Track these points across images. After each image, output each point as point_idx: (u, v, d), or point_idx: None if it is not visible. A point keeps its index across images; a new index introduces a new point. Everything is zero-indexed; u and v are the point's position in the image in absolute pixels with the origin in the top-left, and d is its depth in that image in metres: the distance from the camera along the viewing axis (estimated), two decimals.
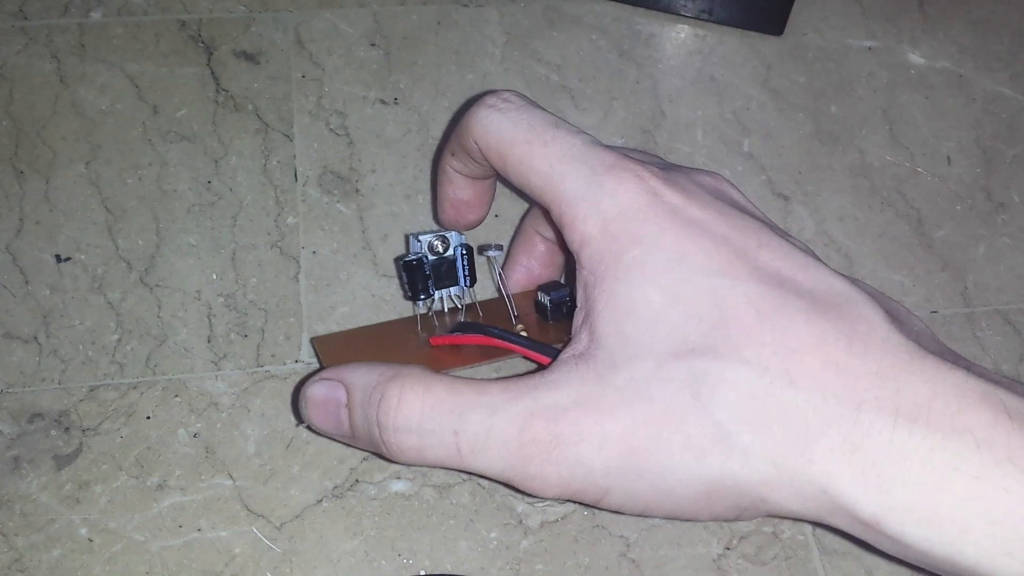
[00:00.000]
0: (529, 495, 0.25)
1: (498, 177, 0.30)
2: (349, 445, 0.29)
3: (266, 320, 0.32)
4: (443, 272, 0.30)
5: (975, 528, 0.21)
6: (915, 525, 0.22)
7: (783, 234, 0.26)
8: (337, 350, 0.30)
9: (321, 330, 0.32)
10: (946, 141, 0.39)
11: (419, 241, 0.30)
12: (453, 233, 0.30)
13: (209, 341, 0.32)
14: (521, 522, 0.29)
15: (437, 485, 0.30)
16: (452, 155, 0.29)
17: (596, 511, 0.29)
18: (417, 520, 0.29)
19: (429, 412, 0.25)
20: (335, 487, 0.29)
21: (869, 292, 0.25)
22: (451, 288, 0.30)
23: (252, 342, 0.32)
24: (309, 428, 0.28)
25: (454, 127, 0.29)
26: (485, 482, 0.30)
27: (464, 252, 0.30)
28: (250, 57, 0.39)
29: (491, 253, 0.31)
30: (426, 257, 0.30)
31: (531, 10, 0.41)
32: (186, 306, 0.32)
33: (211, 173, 0.35)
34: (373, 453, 0.28)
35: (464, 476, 0.30)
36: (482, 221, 0.32)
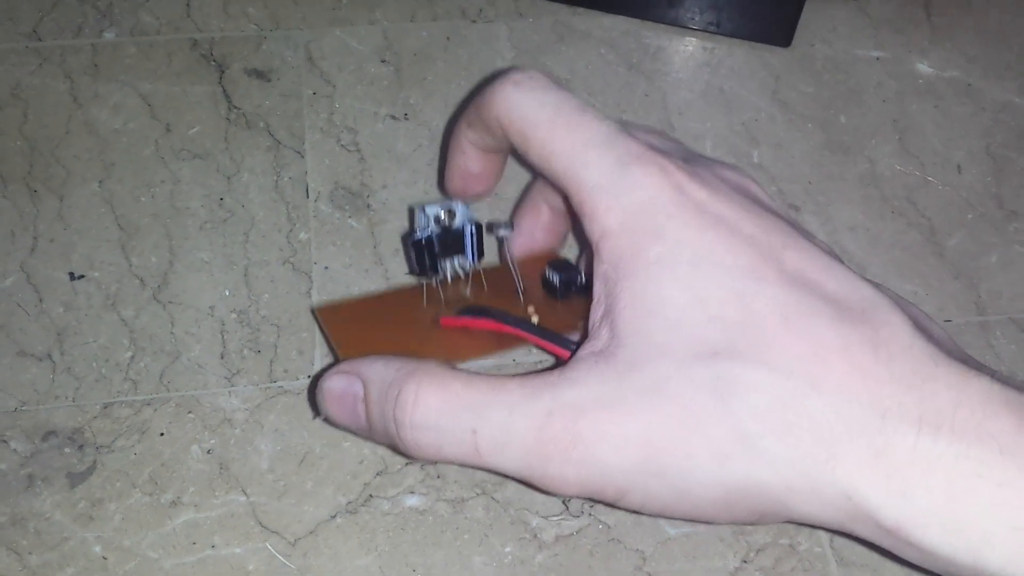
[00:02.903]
0: (547, 493, 0.25)
1: (512, 154, 0.29)
2: (366, 438, 0.28)
3: (279, 336, 0.32)
4: (449, 244, 0.29)
5: (998, 535, 0.21)
6: (938, 532, 0.22)
7: (806, 234, 0.26)
8: (340, 321, 0.29)
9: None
10: (956, 150, 0.39)
11: (425, 214, 0.29)
12: (459, 204, 0.30)
13: (222, 357, 0.32)
14: (536, 536, 0.29)
15: (451, 500, 0.30)
16: (468, 126, 0.29)
17: (611, 526, 0.29)
18: (431, 535, 0.29)
19: (446, 410, 0.24)
20: (349, 502, 0.29)
21: (892, 297, 0.25)
22: (456, 257, 0.30)
23: (265, 358, 0.32)
24: (326, 420, 0.28)
25: (474, 97, 0.29)
26: (499, 496, 0.30)
27: (474, 230, 0.29)
28: (261, 75, 0.39)
29: (502, 232, 0.30)
30: (434, 234, 0.29)
31: (540, 25, 0.41)
32: (199, 322, 0.33)
33: (223, 190, 0.36)
34: (390, 447, 0.28)
35: (478, 491, 0.30)
36: (489, 193, 0.31)
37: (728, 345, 0.23)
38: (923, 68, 0.41)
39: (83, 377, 0.31)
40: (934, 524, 0.22)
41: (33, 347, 0.32)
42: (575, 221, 0.30)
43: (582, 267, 0.31)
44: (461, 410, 0.24)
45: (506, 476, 0.26)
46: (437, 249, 0.29)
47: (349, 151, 0.37)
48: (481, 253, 0.30)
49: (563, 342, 0.27)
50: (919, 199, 0.37)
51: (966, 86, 0.41)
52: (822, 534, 0.29)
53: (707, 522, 0.25)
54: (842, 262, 0.25)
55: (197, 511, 0.29)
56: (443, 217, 0.29)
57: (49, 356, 0.32)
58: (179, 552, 0.28)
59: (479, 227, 0.30)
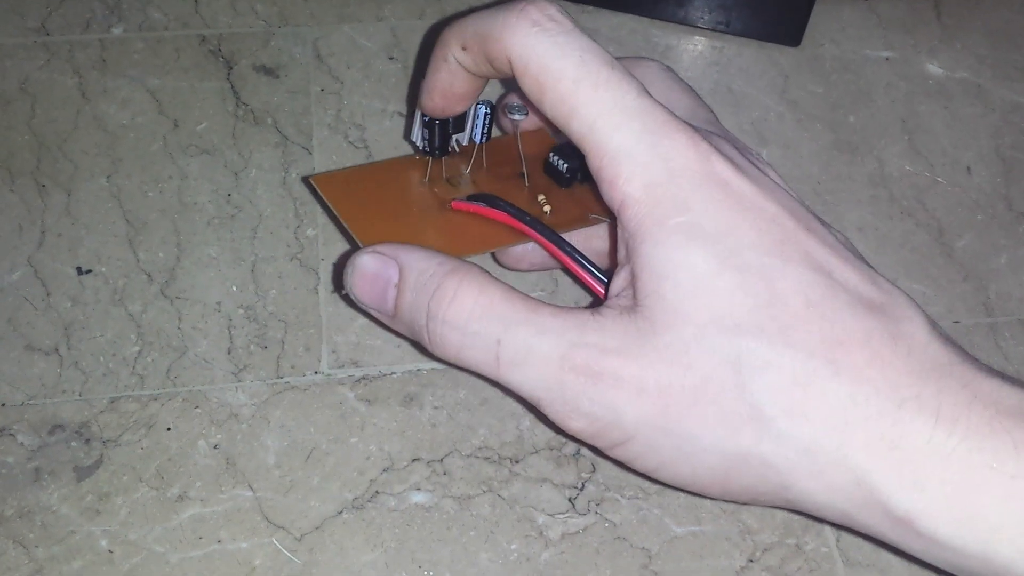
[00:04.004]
0: (552, 422, 0.25)
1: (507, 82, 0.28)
2: (382, 325, 0.28)
3: (286, 331, 0.32)
4: (454, 120, 0.29)
5: (1009, 527, 0.21)
6: (949, 523, 0.22)
7: (826, 224, 0.26)
8: (341, 192, 0.29)
9: (341, 341, 0.32)
10: (966, 151, 0.39)
11: None
12: None
13: (229, 352, 0.32)
14: (542, 534, 0.29)
15: (457, 497, 0.30)
16: (464, 50, 0.27)
17: (617, 524, 0.29)
18: (437, 532, 0.29)
19: (479, 314, 0.25)
20: (355, 498, 0.29)
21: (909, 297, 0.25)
22: (457, 134, 0.30)
23: (272, 353, 0.32)
24: (346, 297, 0.28)
25: (474, 17, 0.26)
26: (505, 493, 0.30)
27: (487, 111, 0.29)
28: (270, 71, 0.39)
29: (517, 116, 0.29)
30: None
31: None
32: (206, 318, 0.33)
33: (231, 186, 0.36)
34: (407, 339, 0.28)
35: (484, 488, 0.30)
36: (465, 110, 0.30)
37: (750, 320, 0.23)
38: (933, 69, 0.41)
39: (90, 371, 0.31)
40: (946, 515, 0.22)
41: (40, 341, 0.32)
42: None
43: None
44: (493, 318, 0.25)
45: (518, 396, 0.26)
46: (452, 130, 0.29)
47: (357, 148, 0.37)
48: (489, 136, 0.29)
49: (594, 273, 0.27)
50: (928, 200, 0.37)
51: (976, 87, 0.41)
52: (828, 534, 0.29)
53: (698, 492, 0.25)
54: (860, 256, 0.25)
55: (203, 506, 0.29)
56: None
57: (56, 350, 0.32)
58: (185, 546, 0.28)
59: (493, 109, 0.29)
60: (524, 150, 0.30)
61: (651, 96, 0.25)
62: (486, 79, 0.28)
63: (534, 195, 0.30)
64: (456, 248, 0.28)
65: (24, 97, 0.37)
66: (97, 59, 0.39)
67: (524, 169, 0.30)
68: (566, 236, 0.29)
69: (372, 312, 0.28)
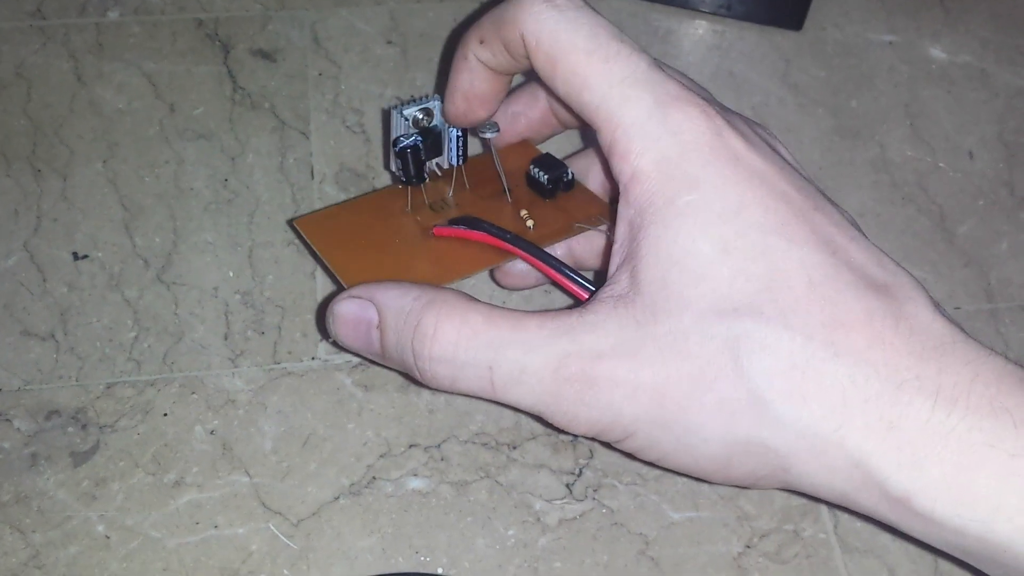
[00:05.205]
0: (557, 429, 0.25)
1: (530, 76, 0.28)
2: (377, 363, 0.28)
3: (283, 317, 0.32)
4: (429, 145, 0.29)
5: (1009, 505, 0.21)
6: (948, 502, 0.22)
7: (833, 202, 0.25)
8: (325, 233, 0.29)
9: None
10: (968, 136, 0.38)
11: (404, 117, 0.28)
12: (436, 103, 0.29)
13: (226, 338, 0.32)
14: (539, 520, 0.29)
15: (454, 482, 0.29)
16: (482, 43, 0.27)
17: (614, 510, 0.29)
18: (434, 517, 0.29)
19: (464, 344, 0.25)
20: (352, 484, 0.29)
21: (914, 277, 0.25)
22: (436, 158, 0.30)
23: (269, 339, 0.32)
24: (336, 344, 0.28)
25: (489, 10, 0.27)
26: (503, 479, 0.30)
27: (459, 134, 0.29)
28: (267, 55, 0.39)
29: (489, 135, 0.29)
30: (418, 140, 0.28)
31: None
32: (203, 303, 0.32)
33: (228, 171, 0.35)
34: (403, 373, 0.28)
35: (481, 474, 0.30)
36: (489, 118, 0.30)
37: (750, 303, 0.23)
38: (936, 53, 0.41)
39: (86, 357, 0.31)
40: (944, 495, 0.22)
41: (37, 327, 0.32)
42: (602, 157, 0.29)
43: (569, 164, 0.31)
44: (480, 346, 0.24)
45: (519, 410, 0.26)
46: (424, 157, 0.29)
47: (354, 132, 0.37)
48: (465, 157, 0.29)
49: (584, 286, 0.27)
50: (930, 185, 0.37)
51: (979, 71, 0.40)
52: (826, 519, 0.29)
53: (702, 478, 0.25)
54: (866, 236, 0.25)
55: (200, 491, 0.29)
56: (421, 118, 0.28)
57: (53, 336, 0.32)
58: (182, 532, 0.28)
59: (464, 131, 0.29)
60: (506, 164, 0.30)
61: (662, 69, 0.25)
62: (506, 80, 0.28)
63: (518, 211, 0.30)
64: (444, 275, 0.28)
65: (20, 82, 0.37)
66: (93, 43, 0.38)
67: (505, 185, 0.30)
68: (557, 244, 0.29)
69: (363, 355, 0.28)
